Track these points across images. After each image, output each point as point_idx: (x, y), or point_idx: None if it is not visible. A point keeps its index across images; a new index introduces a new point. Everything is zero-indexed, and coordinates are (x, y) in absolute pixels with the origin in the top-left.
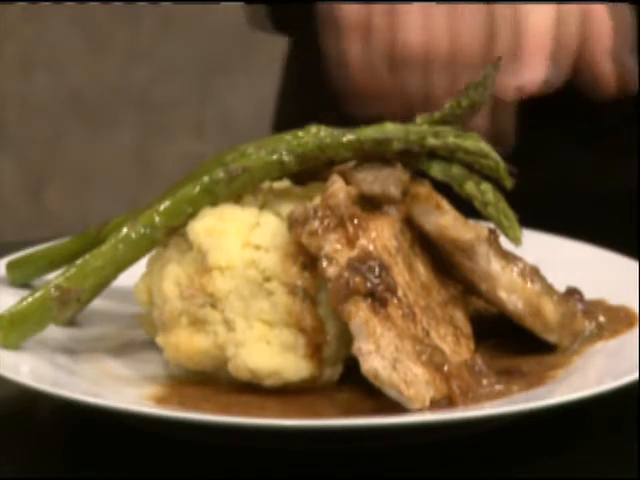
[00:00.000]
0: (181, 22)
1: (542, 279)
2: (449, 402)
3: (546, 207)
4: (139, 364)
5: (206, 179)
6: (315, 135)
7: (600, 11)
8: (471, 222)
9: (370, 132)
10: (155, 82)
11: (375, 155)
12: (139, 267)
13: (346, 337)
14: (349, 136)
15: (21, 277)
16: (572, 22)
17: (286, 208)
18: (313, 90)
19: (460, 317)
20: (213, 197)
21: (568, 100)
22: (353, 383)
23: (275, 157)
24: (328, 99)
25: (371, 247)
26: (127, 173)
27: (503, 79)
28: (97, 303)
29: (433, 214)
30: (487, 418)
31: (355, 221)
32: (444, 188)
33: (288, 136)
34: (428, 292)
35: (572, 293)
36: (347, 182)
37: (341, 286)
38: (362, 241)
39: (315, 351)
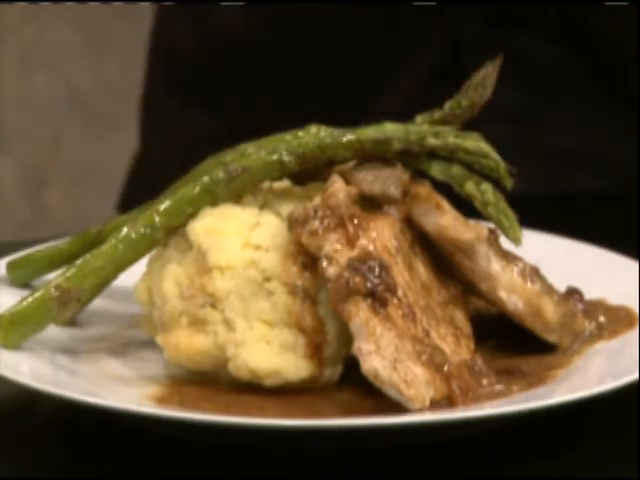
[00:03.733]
0: None
1: (542, 279)
2: (449, 402)
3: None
4: (139, 364)
5: (206, 179)
6: (315, 135)
7: None
8: (471, 222)
9: (370, 132)
10: None
11: (375, 155)
12: (139, 267)
13: (346, 337)
14: (349, 136)
15: (21, 277)
16: None
17: (286, 208)
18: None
19: (460, 317)
20: (213, 197)
21: None
22: (353, 383)
23: (275, 157)
24: None
25: (371, 247)
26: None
27: None
28: (97, 303)
29: (433, 214)
30: (487, 418)
31: (355, 221)
32: (444, 188)
33: (288, 136)
34: (428, 292)
35: (572, 293)
36: (347, 182)
37: (341, 286)
38: (362, 241)
39: (315, 351)
